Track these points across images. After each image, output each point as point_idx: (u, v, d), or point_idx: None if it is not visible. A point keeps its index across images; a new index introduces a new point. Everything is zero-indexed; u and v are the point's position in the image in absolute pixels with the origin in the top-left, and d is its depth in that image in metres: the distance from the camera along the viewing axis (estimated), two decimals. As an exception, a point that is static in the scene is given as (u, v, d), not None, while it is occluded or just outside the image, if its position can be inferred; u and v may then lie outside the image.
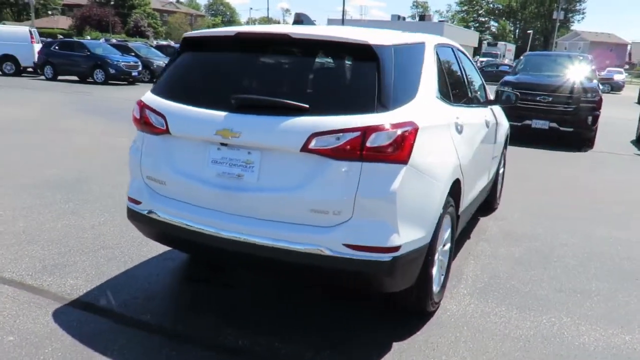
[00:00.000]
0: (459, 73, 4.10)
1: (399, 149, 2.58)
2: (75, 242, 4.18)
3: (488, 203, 5.58)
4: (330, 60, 2.81)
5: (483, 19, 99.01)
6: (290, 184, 2.64)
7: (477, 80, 4.88)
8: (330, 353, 2.82)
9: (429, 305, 3.16)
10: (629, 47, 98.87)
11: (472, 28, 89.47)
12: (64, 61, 21.34)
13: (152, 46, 30.25)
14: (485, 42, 71.78)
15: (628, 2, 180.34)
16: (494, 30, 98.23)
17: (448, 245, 3.48)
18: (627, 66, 77.33)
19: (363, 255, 2.59)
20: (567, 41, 64.83)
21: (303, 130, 2.55)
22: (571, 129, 10.45)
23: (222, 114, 2.73)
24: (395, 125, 2.57)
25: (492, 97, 5.06)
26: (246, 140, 2.68)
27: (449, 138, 3.17)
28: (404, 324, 3.16)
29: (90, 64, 20.91)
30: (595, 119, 10.56)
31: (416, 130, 2.68)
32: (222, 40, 3.00)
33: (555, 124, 10.48)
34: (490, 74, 28.36)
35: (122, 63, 20.95)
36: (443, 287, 3.45)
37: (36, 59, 22.14)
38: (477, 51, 66.20)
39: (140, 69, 21.80)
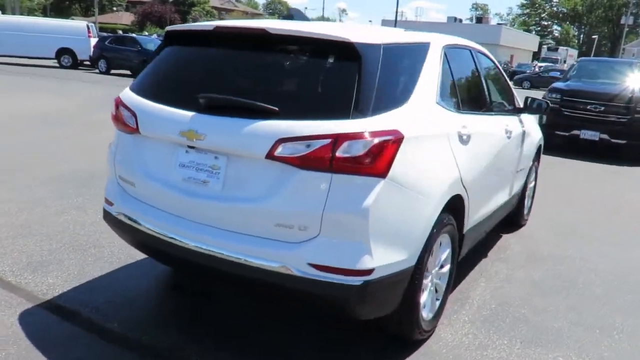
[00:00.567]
0: (474, 77, 3.75)
1: (376, 161, 2.29)
2: (69, 239, 4.10)
3: (513, 219, 5.15)
4: (308, 58, 2.54)
5: (545, 23, 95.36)
6: (255, 193, 2.40)
7: (502, 86, 4.49)
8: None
9: (415, 334, 2.84)
10: None
11: (534, 32, 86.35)
12: (117, 55, 21.97)
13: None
14: (545, 46, 69.06)
15: None
16: (556, 34, 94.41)
17: (447, 267, 3.14)
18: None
19: (330, 277, 2.32)
20: (636, 47, 61.40)
21: (269, 136, 2.31)
22: (624, 142, 9.68)
23: (188, 114, 2.52)
24: (374, 134, 2.28)
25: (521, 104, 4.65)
26: (211, 144, 2.47)
27: (447, 149, 2.84)
28: (386, 350, 2.86)
29: (141, 58, 21.36)
30: (653, 131, 9.76)
31: (400, 139, 2.39)
32: (202, 34, 2.79)
33: (607, 135, 9.73)
34: (544, 80, 27.33)
35: (172, 59, 21.27)
36: (438, 313, 3.12)
37: (92, 53, 22.88)
38: (536, 56, 63.79)
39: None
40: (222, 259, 2.47)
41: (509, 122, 4.13)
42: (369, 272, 2.33)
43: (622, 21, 57.95)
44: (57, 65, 23.88)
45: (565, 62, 51.37)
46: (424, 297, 2.88)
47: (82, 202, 4.99)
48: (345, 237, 2.31)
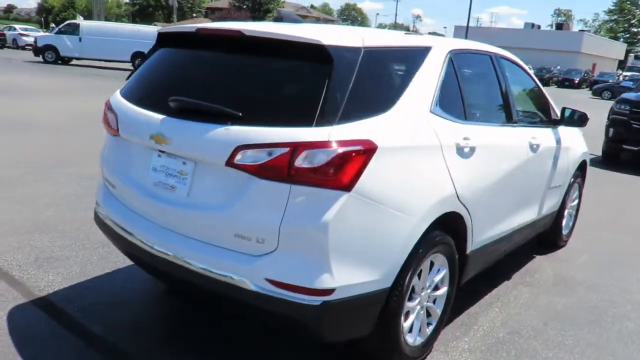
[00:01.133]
0: (491, 85, 3.46)
1: (339, 172, 2.12)
2: (83, 237, 4.18)
3: (549, 239, 4.76)
4: (279, 61, 2.40)
5: (635, 30, 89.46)
6: (217, 202, 2.30)
7: (534, 96, 4.15)
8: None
9: (395, 360, 2.63)
10: None
11: (622, 39, 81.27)
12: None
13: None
14: (632, 54, 64.77)
15: None
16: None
17: (443, 290, 2.90)
18: None
19: (287, 295, 2.17)
20: None
21: (229, 142, 2.20)
22: (700, 159, 8.80)
23: (159, 117, 2.46)
24: (338, 143, 2.12)
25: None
26: (177, 148, 2.39)
27: (438, 162, 2.60)
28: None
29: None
30: None
31: (371, 150, 2.20)
32: (185, 36, 2.74)
33: (681, 151, 8.89)
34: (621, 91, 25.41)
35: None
36: (431, 339, 2.88)
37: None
38: (622, 64, 59.94)
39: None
40: (186, 268, 2.38)
41: (538, 134, 3.79)
42: (329, 292, 2.16)
43: None
44: (132, 68, 25.09)
45: (654, 71, 47.85)
46: (408, 321, 2.66)
47: (108, 201, 5.10)
48: (303, 253, 2.16)
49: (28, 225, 4.32)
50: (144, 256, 2.59)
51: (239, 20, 71.20)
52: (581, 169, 4.91)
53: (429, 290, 2.79)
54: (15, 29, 37.15)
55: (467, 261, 3.06)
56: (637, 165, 9.31)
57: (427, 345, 2.86)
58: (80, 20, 33.72)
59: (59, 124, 9.16)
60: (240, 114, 2.22)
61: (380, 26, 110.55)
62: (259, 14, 76.17)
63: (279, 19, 2.88)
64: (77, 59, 25.21)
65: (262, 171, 2.15)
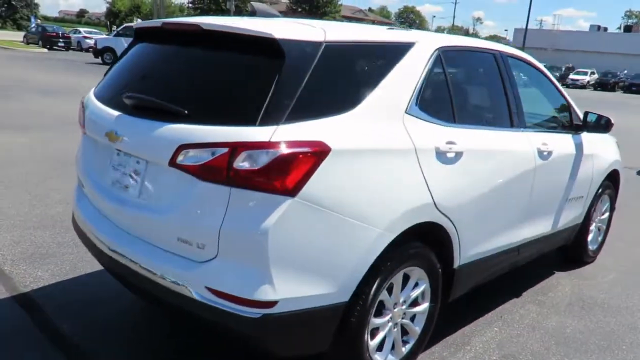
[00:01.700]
0: (492, 86, 3.19)
1: (282, 176, 1.96)
2: (84, 234, 4.20)
3: (572, 255, 4.40)
4: (232, 56, 2.26)
5: None
6: (163, 204, 2.19)
7: (552, 99, 3.83)
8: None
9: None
10: None
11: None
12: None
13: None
14: None
15: None
16: None
17: (424, 306, 2.68)
18: None
19: (226, 305, 2.03)
20: None
21: (173, 141, 2.08)
22: None
23: (114, 114, 2.39)
24: (284, 144, 1.96)
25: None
26: (127, 146, 2.31)
27: (411, 167, 2.38)
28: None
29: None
30: None
31: (322, 152, 2.03)
32: (153, 31, 2.65)
33: None
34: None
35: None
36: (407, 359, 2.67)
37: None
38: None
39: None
40: (136, 272, 2.29)
41: (551, 140, 3.47)
42: (270, 304, 2.01)
43: None
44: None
45: None
46: (377, 339, 2.46)
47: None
48: (243, 262, 2.01)
49: (35, 220, 4.40)
50: (103, 258, 2.52)
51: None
52: (612, 179, 4.51)
53: (404, 307, 2.58)
54: (79, 32, 38.96)
55: (455, 276, 2.82)
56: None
57: (404, 366, 2.64)
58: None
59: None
60: (186, 111, 2.11)
61: (438, 29, 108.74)
62: (315, 18, 76.54)
63: (252, 13, 2.75)
64: (134, 60, 26.11)
65: (202, 172, 2.02)
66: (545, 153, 3.37)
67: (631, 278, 4.28)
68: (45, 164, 6.19)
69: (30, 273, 3.48)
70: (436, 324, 2.95)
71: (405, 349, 2.65)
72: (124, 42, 25.42)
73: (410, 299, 2.61)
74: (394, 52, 2.50)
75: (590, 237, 4.43)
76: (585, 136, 3.94)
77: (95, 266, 3.63)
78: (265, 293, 2.00)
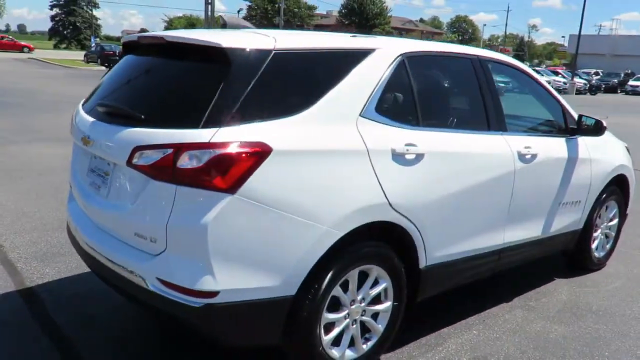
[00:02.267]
0: (465, 90, 3.23)
1: (221, 174, 2.10)
2: (96, 235, 4.49)
3: (576, 261, 4.32)
4: (188, 65, 2.45)
5: None
6: (123, 201, 2.39)
7: (540, 102, 3.81)
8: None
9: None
10: None
11: None
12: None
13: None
14: None
15: None
16: None
17: (386, 305, 2.74)
18: None
19: (174, 295, 2.19)
20: None
21: (129, 143, 2.28)
22: None
23: (89, 120, 2.63)
24: (220, 145, 2.11)
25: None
26: (96, 149, 2.53)
27: (363, 168, 2.47)
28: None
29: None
30: None
31: (263, 153, 2.17)
32: (134, 45, 2.87)
33: None
34: None
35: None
36: (370, 356, 2.73)
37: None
38: None
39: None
40: (104, 265, 2.50)
41: (535, 143, 3.45)
42: (212, 294, 2.15)
43: None
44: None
45: None
46: (332, 334, 2.55)
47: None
48: (187, 254, 2.17)
49: (56, 223, 4.73)
50: (82, 256, 2.76)
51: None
52: (619, 184, 4.39)
53: (362, 304, 2.66)
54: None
55: (422, 277, 2.87)
56: None
57: (363, 360, 2.71)
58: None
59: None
60: (143, 116, 2.30)
61: (492, 37, 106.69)
62: (365, 29, 76.93)
63: (223, 25, 2.93)
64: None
65: (153, 172, 2.20)
66: (528, 156, 3.36)
67: (638, 287, 4.14)
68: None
69: (38, 270, 3.77)
70: (414, 325, 3.01)
71: (366, 346, 2.72)
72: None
73: (370, 296, 2.68)
74: (350, 59, 2.60)
75: (595, 244, 4.32)
76: (583, 140, 3.88)
77: (99, 265, 3.90)
78: (207, 284, 2.14)
